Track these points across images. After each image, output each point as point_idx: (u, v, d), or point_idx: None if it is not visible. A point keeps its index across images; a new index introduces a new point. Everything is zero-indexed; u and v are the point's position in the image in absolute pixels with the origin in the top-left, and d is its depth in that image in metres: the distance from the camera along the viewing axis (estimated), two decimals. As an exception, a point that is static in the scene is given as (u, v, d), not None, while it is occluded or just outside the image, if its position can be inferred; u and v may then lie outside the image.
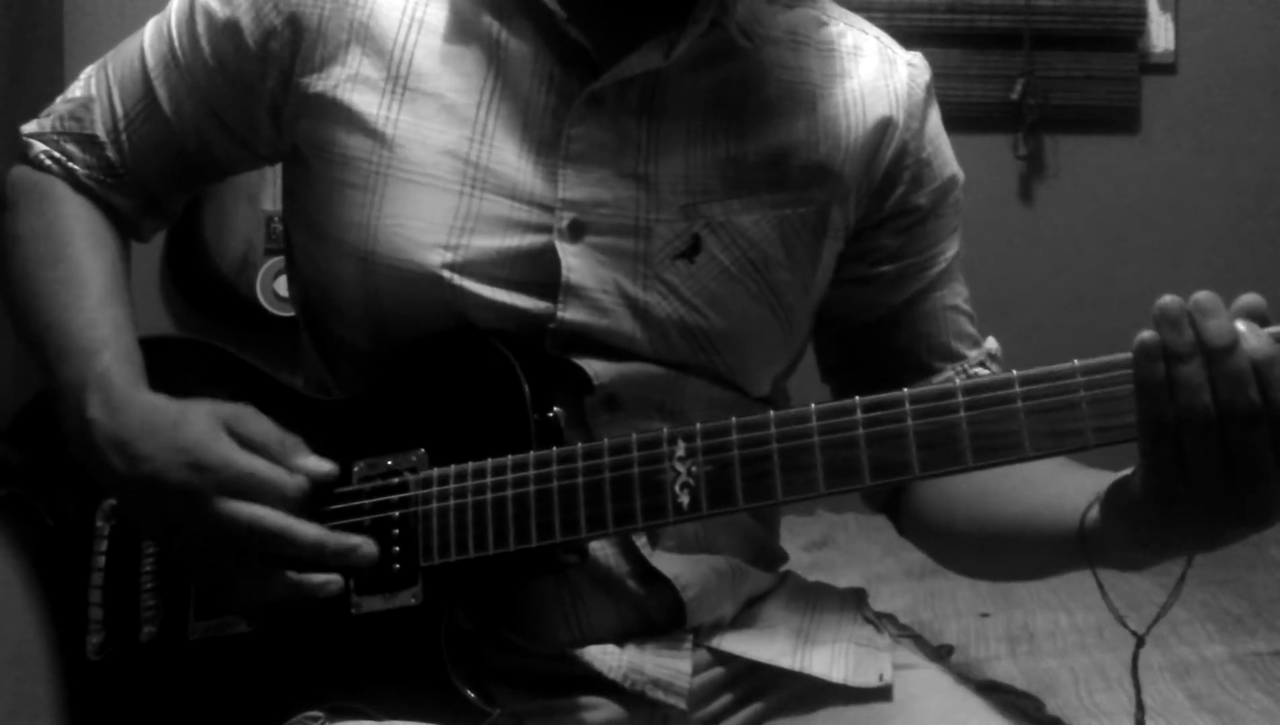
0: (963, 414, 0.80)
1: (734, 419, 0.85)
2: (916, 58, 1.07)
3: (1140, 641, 0.84)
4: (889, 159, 1.02)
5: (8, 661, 1.04)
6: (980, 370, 1.06)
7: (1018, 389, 0.79)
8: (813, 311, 1.05)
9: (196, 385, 1.02)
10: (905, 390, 0.81)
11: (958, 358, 1.06)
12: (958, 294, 1.07)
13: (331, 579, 0.91)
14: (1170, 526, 0.78)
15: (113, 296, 1.01)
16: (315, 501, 0.92)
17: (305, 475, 0.92)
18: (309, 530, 0.90)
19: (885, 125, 1.02)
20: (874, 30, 1.08)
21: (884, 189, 1.03)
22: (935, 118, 1.06)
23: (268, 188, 2.35)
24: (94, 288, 1.01)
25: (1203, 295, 0.73)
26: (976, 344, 1.08)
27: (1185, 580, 0.81)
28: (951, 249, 1.07)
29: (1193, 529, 0.77)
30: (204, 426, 0.91)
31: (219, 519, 0.89)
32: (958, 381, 0.81)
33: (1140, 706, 0.87)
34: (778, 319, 1.00)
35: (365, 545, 0.91)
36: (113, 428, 0.93)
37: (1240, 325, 0.73)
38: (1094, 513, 0.84)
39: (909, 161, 1.03)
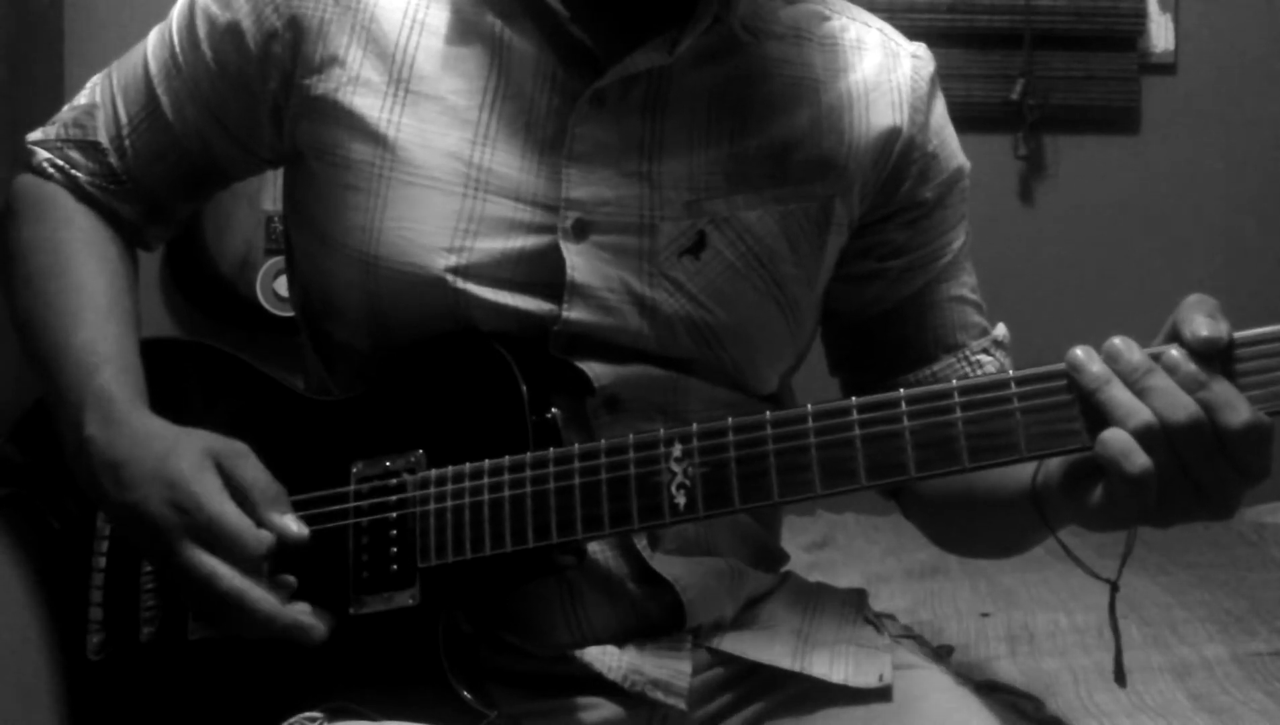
0: (959, 414, 0.80)
1: (730, 420, 0.84)
2: (920, 49, 1.06)
3: (1115, 587, 0.86)
4: (897, 154, 1.02)
5: (8, 661, 1.04)
6: (984, 357, 1.06)
7: (1014, 389, 0.79)
8: (818, 305, 1.05)
9: (198, 388, 1.02)
10: (901, 391, 0.81)
11: (960, 347, 1.06)
12: (964, 284, 1.07)
13: (316, 627, 0.89)
14: (1125, 520, 0.80)
15: (114, 310, 1.01)
16: (282, 561, 0.90)
17: (274, 533, 0.89)
18: (262, 604, 0.88)
19: (891, 133, 1.02)
20: (877, 23, 1.07)
21: (891, 184, 1.03)
22: (940, 109, 1.06)
23: (268, 188, 2.35)
24: (95, 301, 1.00)
25: (1114, 341, 0.78)
26: (984, 333, 1.08)
27: (1136, 536, 0.84)
28: (959, 239, 1.07)
29: (1153, 521, 0.79)
30: (192, 461, 0.90)
31: (180, 563, 0.88)
32: (954, 382, 0.81)
33: (1119, 651, 0.89)
34: (783, 313, 1.00)
35: (315, 630, 0.89)
36: (107, 447, 0.92)
37: (1173, 351, 0.76)
38: (1043, 474, 0.85)
39: (916, 156, 1.03)
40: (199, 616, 0.95)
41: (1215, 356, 0.76)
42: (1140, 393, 0.76)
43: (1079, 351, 0.78)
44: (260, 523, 0.90)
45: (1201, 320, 0.76)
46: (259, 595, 0.88)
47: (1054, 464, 0.84)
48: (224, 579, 0.87)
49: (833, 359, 1.11)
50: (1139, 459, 0.75)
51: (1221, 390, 0.75)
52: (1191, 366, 0.76)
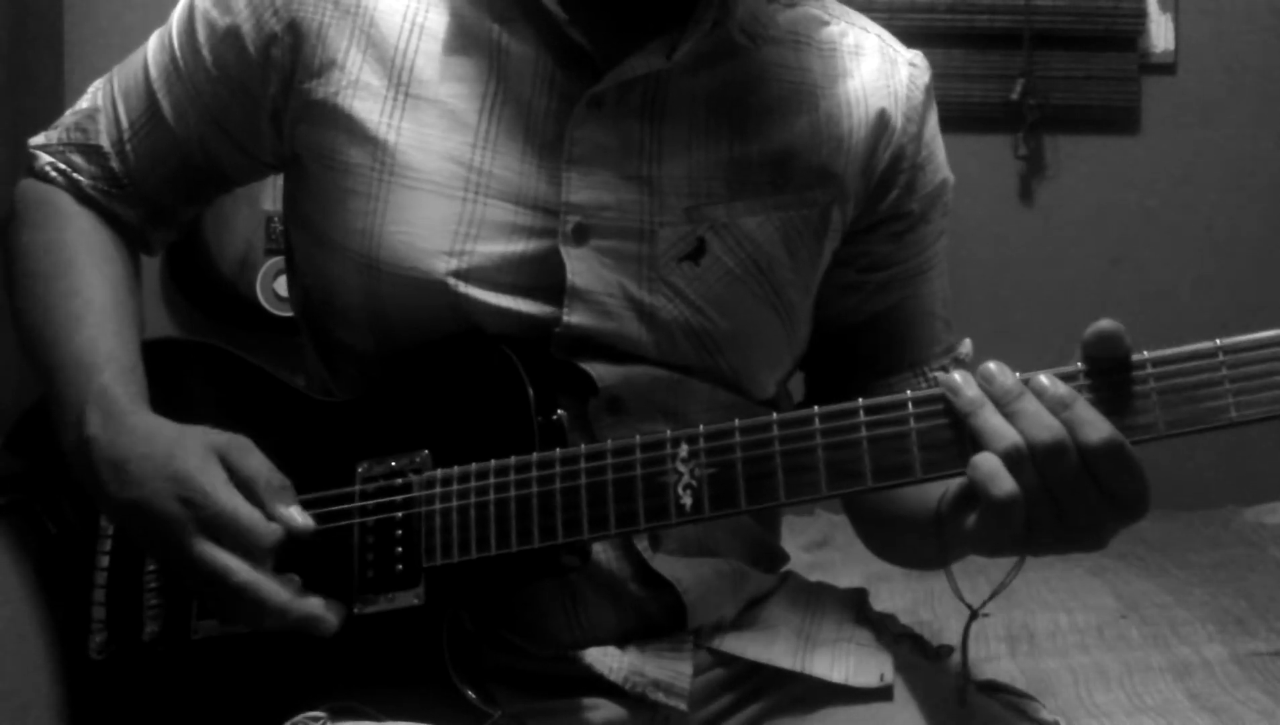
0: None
1: (737, 421, 0.85)
2: (917, 57, 1.07)
3: (974, 614, 0.87)
4: (885, 162, 1.02)
5: (10, 661, 1.04)
6: (940, 375, 1.06)
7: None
8: (811, 309, 1.05)
9: (203, 388, 1.02)
10: (908, 392, 0.82)
11: (921, 363, 1.07)
12: (937, 299, 1.08)
13: (328, 619, 0.89)
14: (1005, 545, 0.81)
15: (115, 311, 1.01)
16: (288, 559, 0.90)
17: (281, 524, 0.90)
18: (276, 596, 0.88)
19: (883, 122, 1.02)
20: (875, 28, 1.08)
21: (879, 192, 1.03)
22: (933, 121, 1.06)
23: (268, 188, 2.35)
24: (97, 302, 1.00)
25: (988, 365, 0.80)
26: (948, 350, 1.08)
27: (1024, 563, 0.84)
28: (938, 255, 1.07)
29: (1024, 548, 0.81)
30: (197, 455, 0.90)
31: (193, 557, 0.88)
32: (923, 385, 0.82)
33: (966, 677, 0.93)
34: (781, 320, 1.00)
35: (327, 622, 0.89)
36: (110, 447, 0.92)
37: (1042, 377, 0.78)
38: (944, 503, 0.86)
39: (905, 165, 1.03)
40: (210, 610, 0.95)
41: (1107, 370, 0.78)
42: (1010, 416, 0.78)
43: (956, 376, 0.80)
44: (267, 515, 0.90)
45: (1104, 322, 0.78)
46: (272, 587, 0.88)
47: (952, 488, 0.85)
48: (237, 572, 0.88)
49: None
50: (1005, 483, 0.76)
51: (1083, 409, 0.77)
52: (1060, 389, 0.78)
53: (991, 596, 0.86)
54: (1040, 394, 0.78)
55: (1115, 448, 0.76)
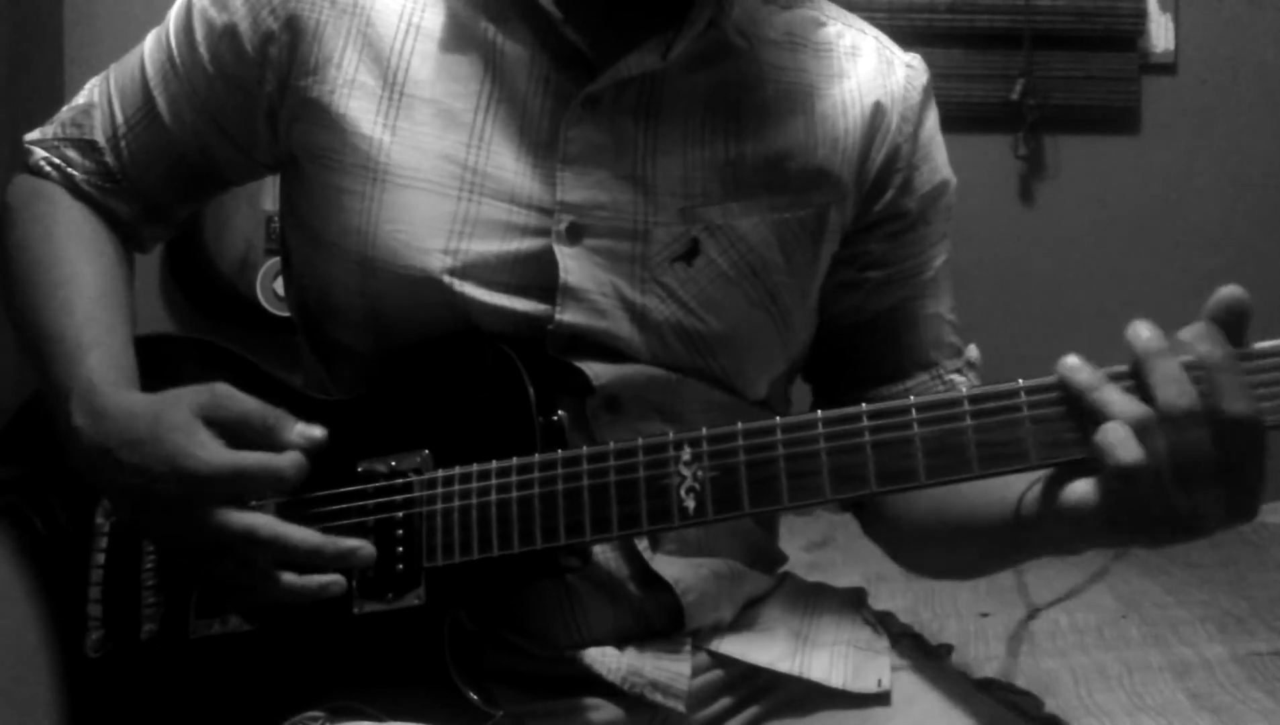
0: (969, 422, 0.79)
1: (740, 424, 0.84)
2: (915, 59, 1.06)
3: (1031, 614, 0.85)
4: (880, 161, 1.02)
5: (7, 660, 1.04)
6: (956, 377, 1.05)
7: (1023, 398, 0.79)
8: (812, 313, 1.05)
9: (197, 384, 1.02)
10: (911, 398, 0.81)
11: (933, 365, 1.06)
12: (942, 302, 1.07)
13: (334, 580, 0.90)
14: (1114, 526, 0.78)
15: (104, 299, 1.00)
16: (313, 484, 0.91)
17: (298, 448, 0.90)
18: (305, 538, 0.88)
19: (878, 121, 1.02)
20: (872, 30, 1.07)
21: (874, 192, 1.03)
22: (931, 121, 1.06)
23: (268, 188, 2.36)
24: (85, 292, 1.00)
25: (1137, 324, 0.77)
26: (957, 353, 1.07)
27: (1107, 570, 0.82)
28: (940, 257, 1.06)
29: (1136, 534, 0.78)
30: (183, 430, 0.89)
31: (212, 529, 0.87)
32: (963, 390, 0.81)
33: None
34: (775, 323, 1.00)
35: (363, 548, 0.90)
36: (95, 435, 0.92)
37: (1187, 332, 0.75)
38: (1029, 499, 0.84)
39: (900, 165, 1.03)
40: (221, 600, 0.94)
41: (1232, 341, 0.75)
42: (1149, 374, 0.75)
43: (1071, 357, 0.78)
44: (275, 445, 0.89)
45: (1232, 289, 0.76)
46: (300, 532, 0.88)
47: (1040, 484, 0.83)
48: (262, 528, 0.87)
49: (805, 365, 1.10)
50: (1133, 449, 0.74)
51: (1228, 380, 0.74)
52: (1211, 351, 0.74)
53: (1055, 601, 0.84)
54: (1187, 351, 0.75)
55: (1255, 423, 0.74)
